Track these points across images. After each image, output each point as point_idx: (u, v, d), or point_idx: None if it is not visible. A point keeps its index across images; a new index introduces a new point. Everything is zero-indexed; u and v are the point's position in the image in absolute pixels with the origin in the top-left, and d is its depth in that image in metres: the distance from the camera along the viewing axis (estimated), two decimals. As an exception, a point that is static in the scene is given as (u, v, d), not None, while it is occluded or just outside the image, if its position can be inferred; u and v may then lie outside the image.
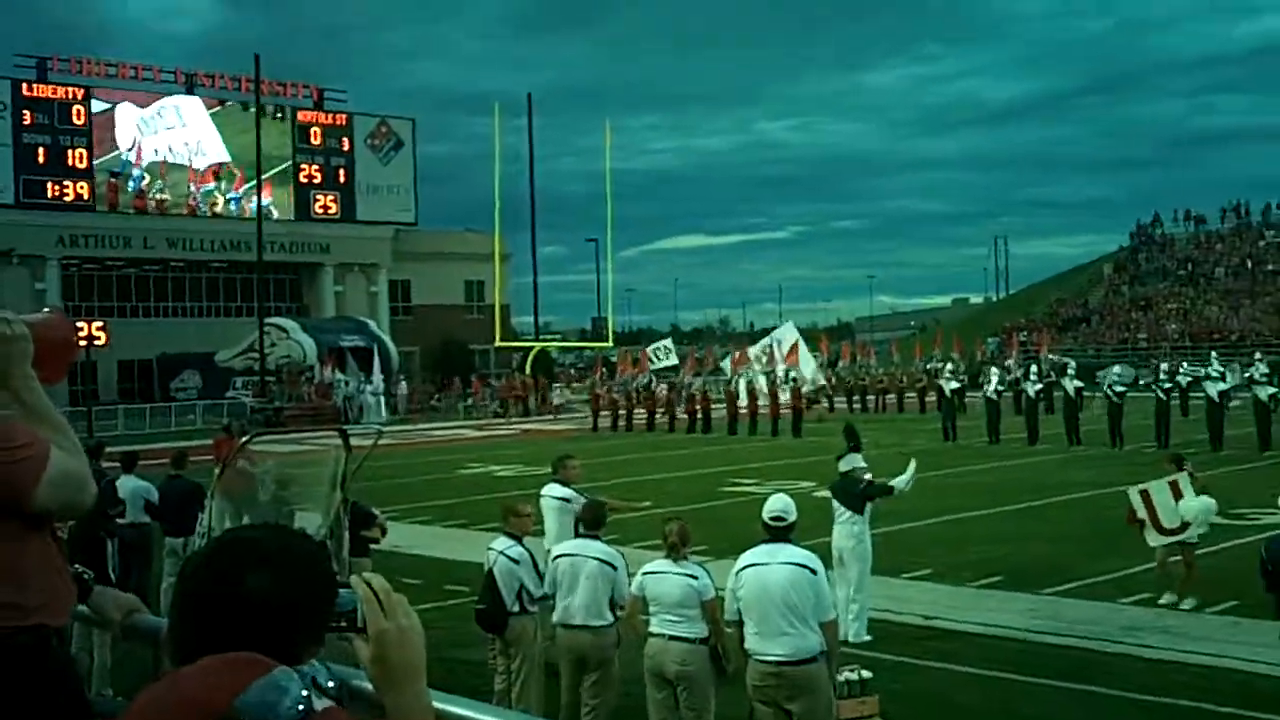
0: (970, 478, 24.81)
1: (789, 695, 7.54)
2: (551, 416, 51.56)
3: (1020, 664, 10.81)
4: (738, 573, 7.87)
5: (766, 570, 7.70)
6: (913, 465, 12.95)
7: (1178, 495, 12.54)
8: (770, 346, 45.68)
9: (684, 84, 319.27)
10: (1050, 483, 23.07)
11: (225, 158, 65.30)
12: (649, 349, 52.05)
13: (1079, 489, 21.66)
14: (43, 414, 2.87)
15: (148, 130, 63.67)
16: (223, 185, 65.55)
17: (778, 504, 8.04)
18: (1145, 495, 12.69)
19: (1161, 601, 12.48)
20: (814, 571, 7.63)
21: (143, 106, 63.60)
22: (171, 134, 64.32)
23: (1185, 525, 12.48)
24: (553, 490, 11.39)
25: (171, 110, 64.46)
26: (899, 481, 12.47)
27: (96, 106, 61.87)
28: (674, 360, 50.42)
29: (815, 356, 49.88)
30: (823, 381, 46.93)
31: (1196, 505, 12.51)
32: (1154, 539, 12.65)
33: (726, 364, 49.88)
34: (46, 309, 3.23)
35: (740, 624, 7.76)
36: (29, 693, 2.68)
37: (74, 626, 3.10)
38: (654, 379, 47.97)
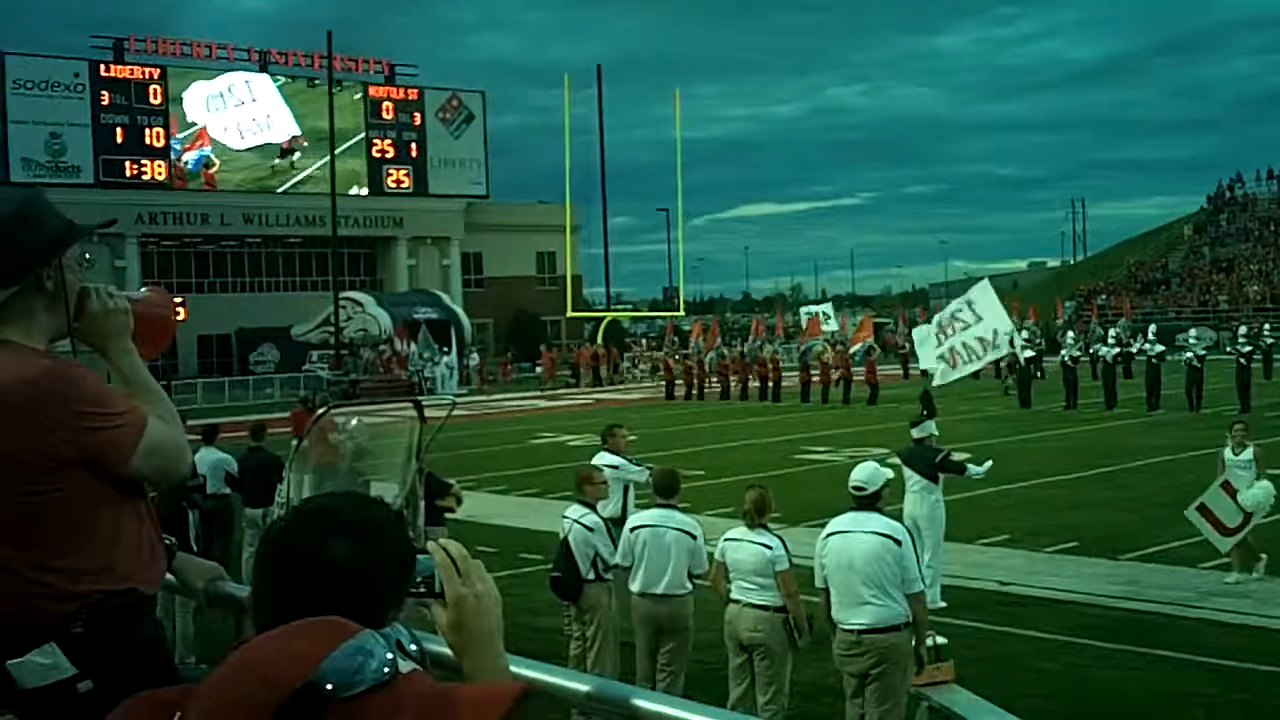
0: (1047, 443, 24.57)
1: (871, 664, 7.54)
2: (623, 385, 51.67)
3: (1097, 630, 10.71)
4: (824, 539, 7.89)
5: (851, 538, 7.70)
6: (989, 464, 12.84)
7: (1232, 491, 12.13)
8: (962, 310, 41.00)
9: (753, 51, 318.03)
10: (1128, 448, 22.79)
11: (296, 131, 65.85)
12: (818, 310, 49.89)
13: (1157, 454, 21.38)
14: (141, 384, 2.92)
15: (216, 108, 64.37)
16: (296, 159, 66.15)
17: (861, 473, 8.01)
18: (1204, 511, 12.23)
19: (1227, 580, 12.10)
20: (898, 542, 7.59)
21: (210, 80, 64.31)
22: (241, 110, 64.97)
23: (1249, 516, 12.10)
24: (603, 459, 11.29)
25: (242, 85, 65.08)
26: (974, 470, 12.34)
27: (174, 88, 62.62)
28: (834, 325, 47.63)
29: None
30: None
31: (1257, 495, 12.08)
32: (1223, 545, 12.19)
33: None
34: (146, 287, 3.30)
35: (827, 592, 7.78)
36: (120, 658, 2.71)
37: (158, 595, 3.17)
38: (725, 349, 47.81)
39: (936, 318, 21.01)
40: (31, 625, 2.67)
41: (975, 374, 22.46)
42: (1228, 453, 12.67)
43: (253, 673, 1.62)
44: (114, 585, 2.75)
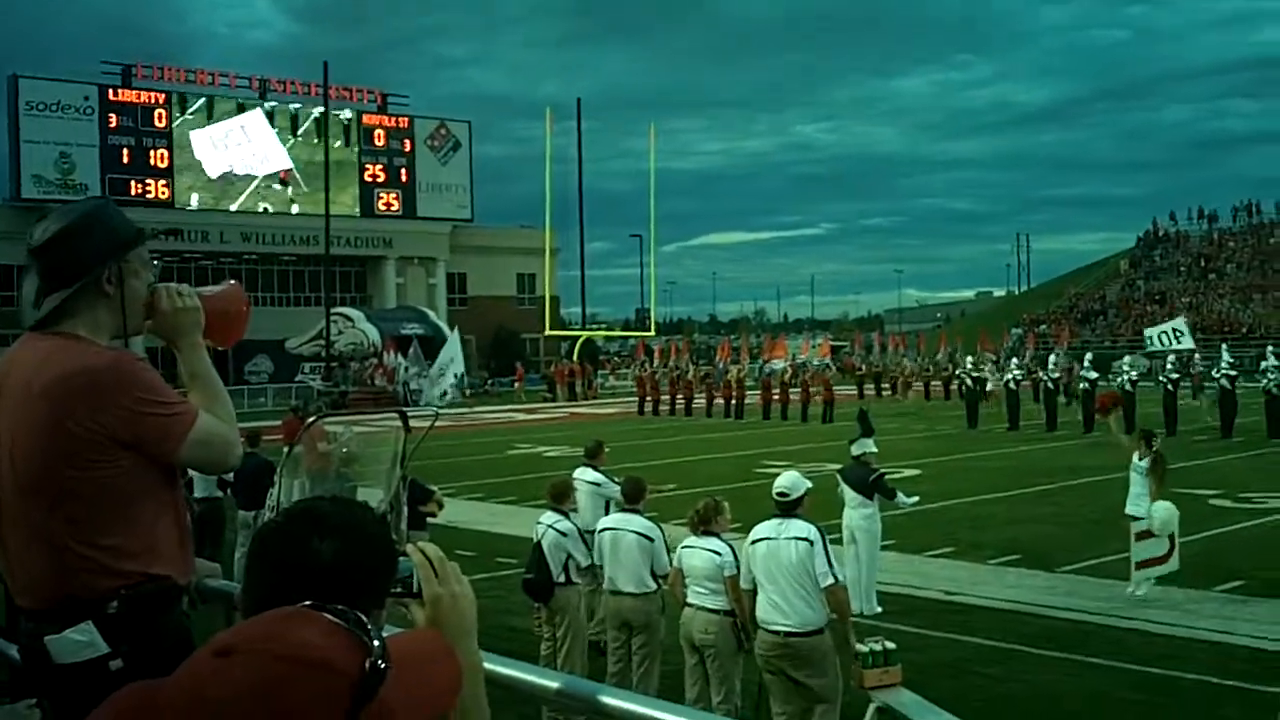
0: (990, 462, 24.68)
1: (795, 665, 7.55)
2: (597, 400, 51.66)
3: (1036, 637, 10.75)
4: (750, 544, 7.91)
5: (774, 544, 7.73)
6: (917, 498, 13.12)
7: (1143, 535, 12.07)
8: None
9: (725, 89, 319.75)
10: (1066, 467, 22.88)
11: (288, 164, 65.80)
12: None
13: (1092, 473, 21.45)
14: (205, 380, 2.98)
15: (219, 148, 64.36)
16: (289, 190, 66.05)
17: (784, 481, 8.07)
18: (1143, 564, 12.05)
19: (1138, 593, 11.99)
20: (811, 543, 7.62)
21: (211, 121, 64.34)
22: (240, 150, 64.94)
23: (1171, 537, 12.08)
24: (585, 474, 11.28)
25: (238, 129, 65.03)
26: (903, 499, 12.40)
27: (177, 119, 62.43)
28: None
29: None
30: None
31: (1161, 516, 11.96)
32: (1174, 564, 12.05)
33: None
34: (225, 283, 3.37)
35: (753, 594, 7.80)
36: (151, 641, 2.72)
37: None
38: (692, 367, 47.93)
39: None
40: (71, 601, 2.69)
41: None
42: (1135, 457, 12.75)
43: (311, 665, 1.58)
44: (153, 569, 2.78)
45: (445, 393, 49.22)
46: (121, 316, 2.87)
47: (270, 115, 65.53)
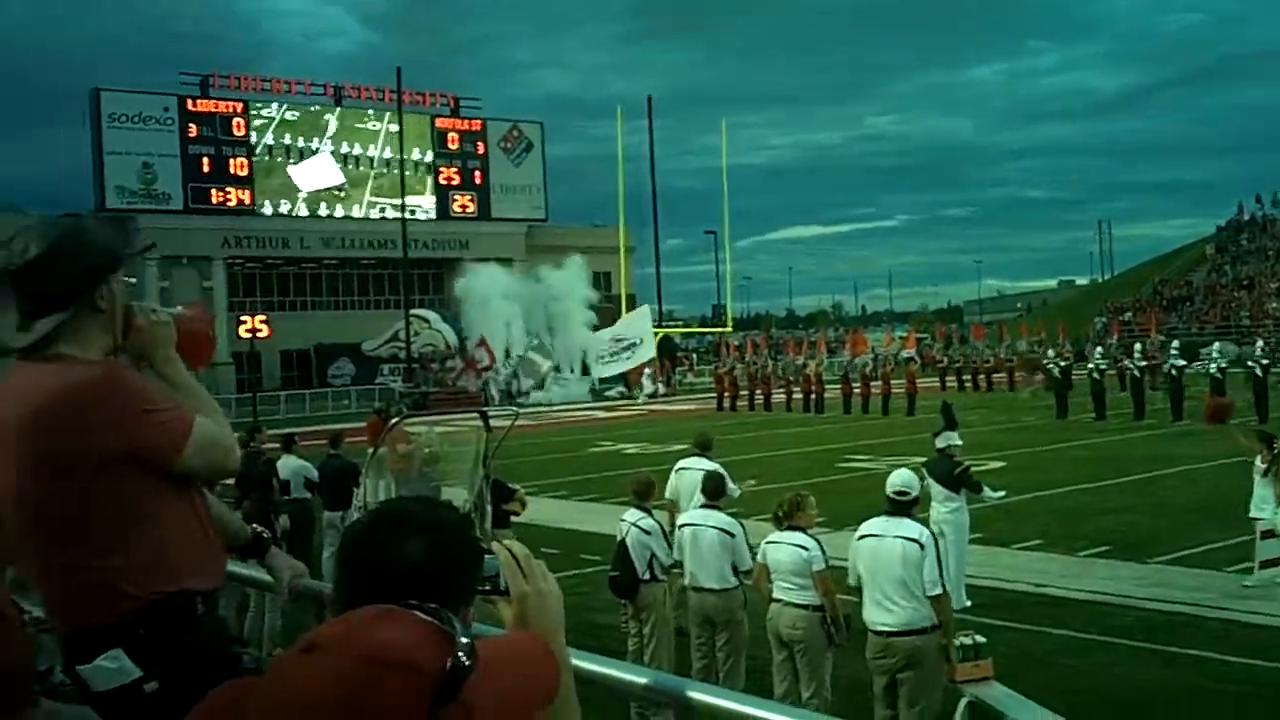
0: (1078, 452, 24.29)
1: (899, 666, 7.46)
2: (675, 396, 51.67)
3: (1128, 629, 10.57)
4: (856, 541, 7.81)
5: (881, 543, 7.63)
6: (1004, 491, 12.86)
7: (1267, 533, 11.84)
8: None
9: (796, 83, 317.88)
10: (1155, 456, 22.45)
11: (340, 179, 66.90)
12: None
13: (1182, 462, 21.07)
14: (187, 388, 2.93)
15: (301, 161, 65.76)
16: (366, 195, 67.01)
17: (900, 479, 7.95)
18: (1264, 565, 11.94)
19: (1246, 583, 11.81)
20: (922, 546, 7.49)
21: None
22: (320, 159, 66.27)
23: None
24: (697, 463, 11.11)
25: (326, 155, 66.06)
26: (988, 493, 12.18)
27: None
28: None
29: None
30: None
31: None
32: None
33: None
34: (190, 303, 3.34)
35: (860, 592, 7.70)
36: (183, 657, 2.70)
37: (251, 592, 3.20)
38: (771, 362, 47.75)
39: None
40: (96, 626, 2.67)
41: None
42: (1257, 460, 12.45)
43: (393, 665, 1.59)
44: (171, 584, 2.73)
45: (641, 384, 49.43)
46: (113, 334, 2.83)
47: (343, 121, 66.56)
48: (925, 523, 7.82)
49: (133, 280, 2.95)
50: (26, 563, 2.84)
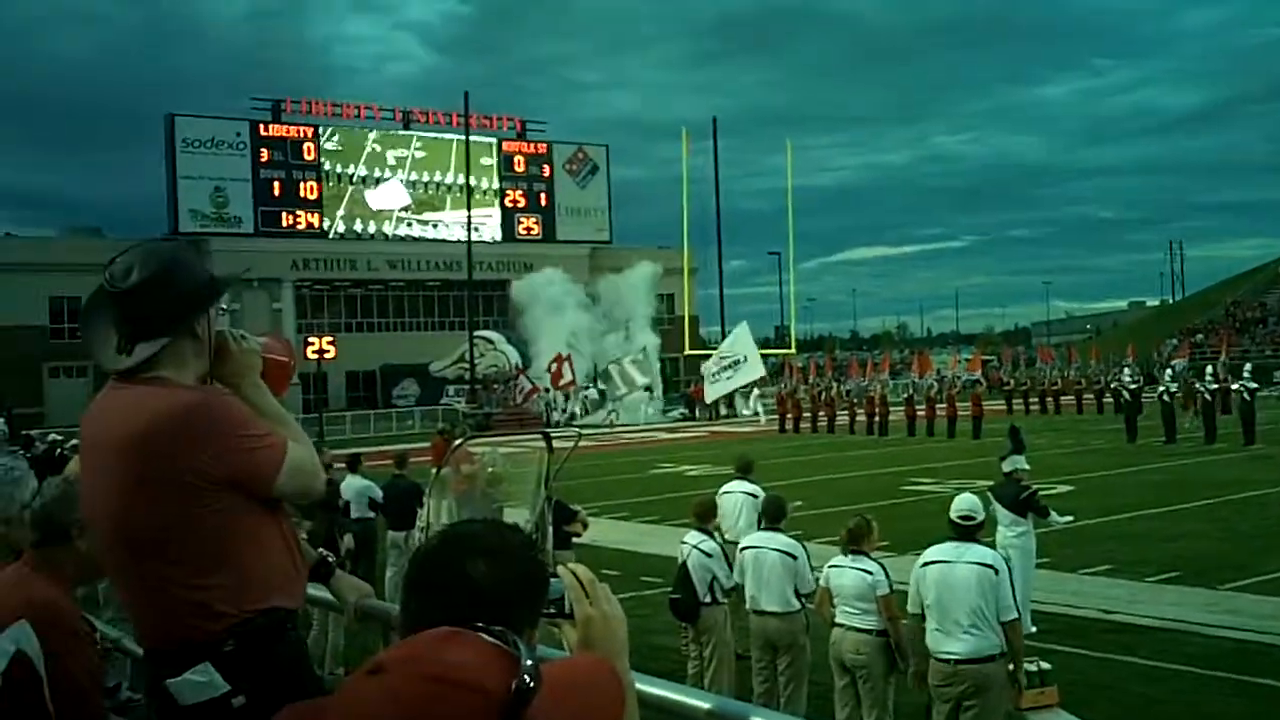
0: (1146, 476, 23.91)
1: (965, 693, 7.29)
2: (736, 418, 51.56)
3: (1197, 657, 10.36)
4: (920, 567, 7.63)
5: (951, 569, 7.43)
6: (1071, 516, 12.77)
7: None
8: None
9: (859, 103, 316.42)
10: (1227, 481, 22.05)
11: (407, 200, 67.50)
12: None
13: (1255, 487, 20.67)
14: (273, 414, 2.99)
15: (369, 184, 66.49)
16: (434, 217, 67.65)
17: (965, 503, 7.79)
18: None
19: None
20: (996, 571, 7.31)
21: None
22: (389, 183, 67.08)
23: None
24: (741, 486, 11.41)
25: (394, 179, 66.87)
26: (1055, 518, 12.03)
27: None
28: None
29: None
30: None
31: None
32: None
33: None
34: (271, 334, 3.40)
35: (923, 618, 7.56)
36: (269, 673, 2.74)
37: (315, 611, 3.24)
38: (835, 384, 47.53)
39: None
40: (187, 643, 2.71)
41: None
42: None
43: (459, 685, 1.62)
44: (262, 603, 2.78)
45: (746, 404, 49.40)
46: (208, 359, 2.89)
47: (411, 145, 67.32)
48: (992, 546, 7.65)
49: (225, 308, 3.04)
50: (116, 581, 2.90)
